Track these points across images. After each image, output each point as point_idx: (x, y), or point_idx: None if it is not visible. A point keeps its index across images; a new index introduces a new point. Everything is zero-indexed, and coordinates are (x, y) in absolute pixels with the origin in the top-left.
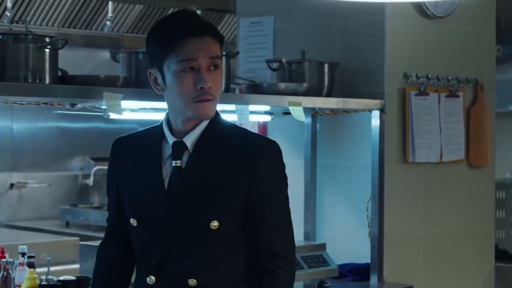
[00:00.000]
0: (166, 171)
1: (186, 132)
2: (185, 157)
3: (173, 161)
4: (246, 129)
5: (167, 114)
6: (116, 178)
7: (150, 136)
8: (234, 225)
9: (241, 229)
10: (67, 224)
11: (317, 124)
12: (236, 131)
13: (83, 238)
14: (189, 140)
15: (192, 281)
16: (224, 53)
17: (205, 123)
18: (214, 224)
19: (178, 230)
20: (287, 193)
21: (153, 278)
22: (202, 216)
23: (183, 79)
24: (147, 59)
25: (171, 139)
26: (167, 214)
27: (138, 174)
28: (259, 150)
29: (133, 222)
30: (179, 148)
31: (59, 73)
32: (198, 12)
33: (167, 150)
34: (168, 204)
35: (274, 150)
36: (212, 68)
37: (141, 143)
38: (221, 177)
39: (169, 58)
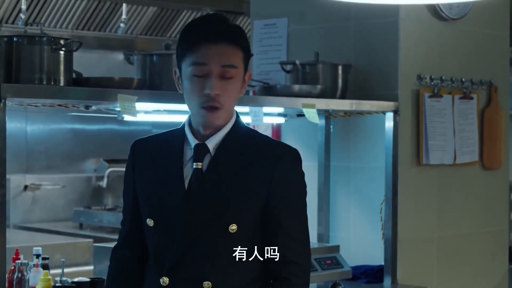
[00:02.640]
0: (187, 173)
1: (207, 135)
2: (206, 160)
3: (194, 163)
4: (268, 136)
5: (189, 117)
6: (134, 178)
7: (171, 138)
8: (252, 230)
9: (258, 234)
10: (81, 226)
11: (331, 126)
12: (257, 137)
13: (97, 239)
14: (212, 143)
15: (207, 284)
16: None
17: (228, 127)
18: (233, 227)
19: (196, 232)
20: (305, 201)
21: (166, 280)
22: (222, 219)
23: (193, 83)
24: (161, 61)
25: (193, 141)
26: (185, 215)
27: (158, 174)
28: (280, 157)
29: (149, 222)
30: (201, 150)
31: (74, 75)
32: None
33: (189, 152)
34: (187, 205)
35: (294, 158)
36: (225, 77)
37: (162, 145)
38: (241, 182)
39: (185, 60)
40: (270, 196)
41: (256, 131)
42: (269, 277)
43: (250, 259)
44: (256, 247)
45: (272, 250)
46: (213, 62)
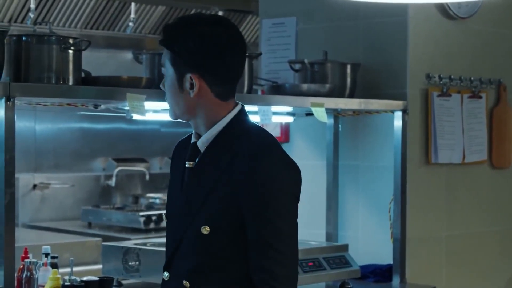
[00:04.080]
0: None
1: (203, 133)
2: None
3: (186, 162)
4: (263, 135)
5: None
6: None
7: (191, 136)
8: (227, 234)
9: (239, 240)
10: (90, 225)
11: (339, 125)
12: (249, 137)
13: (106, 238)
14: (201, 142)
15: (186, 283)
16: (246, 54)
17: (218, 127)
18: (206, 229)
19: (181, 231)
20: (285, 206)
21: (166, 274)
22: (196, 220)
23: None
24: None
25: (193, 140)
26: (177, 214)
27: (173, 174)
28: (254, 159)
29: (164, 218)
30: (194, 149)
31: (83, 74)
32: (220, 13)
33: None
34: (178, 204)
35: (272, 160)
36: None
37: (185, 144)
38: (216, 183)
39: None
40: (244, 200)
41: (256, 130)
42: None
43: (230, 265)
44: (236, 253)
45: (248, 256)
46: None
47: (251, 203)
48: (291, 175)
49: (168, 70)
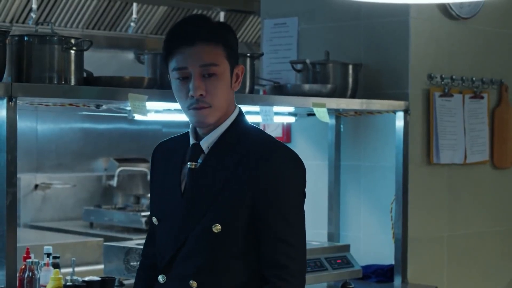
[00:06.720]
0: (185, 173)
1: (205, 134)
2: (201, 160)
3: (188, 163)
4: (265, 135)
5: None
6: (152, 181)
7: (183, 138)
8: (238, 231)
9: (247, 238)
10: (91, 225)
11: (341, 125)
12: (253, 136)
13: (107, 238)
14: (206, 143)
15: (193, 283)
16: (248, 54)
17: (224, 126)
18: (217, 227)
19: (186, 231)
20: (296, 202)
21: (163, 277)
22: (206, 219)
23: (178, 87)
24: None
25: (192, 141)
26: (179, 214)
27: (164, 175)
28: (266, 157)
29: (154, 221)
30: (196, 150)
31: (84, 74)
32: (222, 13)
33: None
34: (181, 204)
35: (282, 157)
36: (207, 76)
37: (173, 146)
38: (227, 182)
39: (169, 65)
40: (255, 198)
41: (257, 130)
42: (260, 280)
43: (239, 262)
44: (246, 249)
45: (260, 252)
46: (191, 64)
47: (262, 200)
48: (298, 171)
49: (223, 67)
